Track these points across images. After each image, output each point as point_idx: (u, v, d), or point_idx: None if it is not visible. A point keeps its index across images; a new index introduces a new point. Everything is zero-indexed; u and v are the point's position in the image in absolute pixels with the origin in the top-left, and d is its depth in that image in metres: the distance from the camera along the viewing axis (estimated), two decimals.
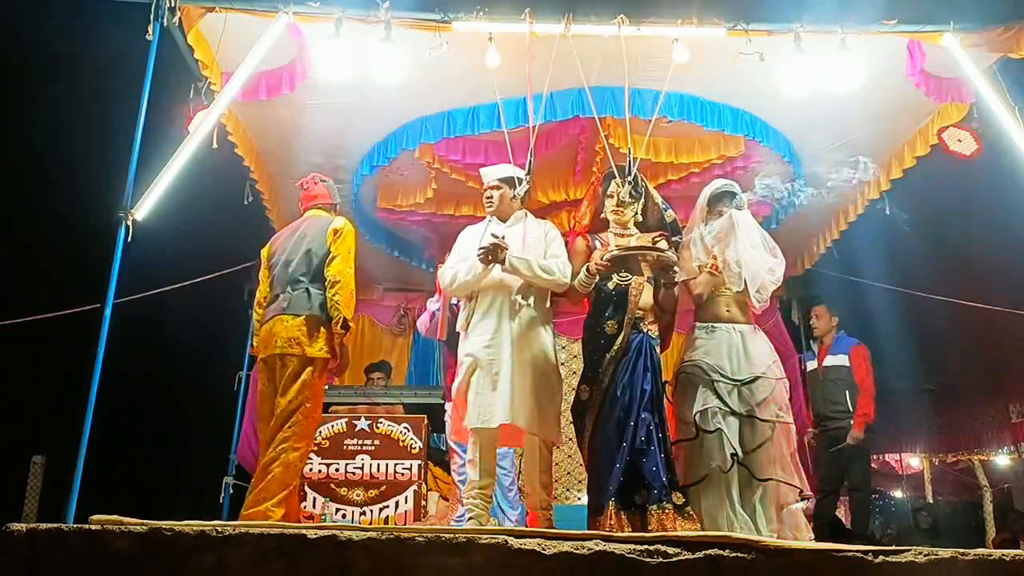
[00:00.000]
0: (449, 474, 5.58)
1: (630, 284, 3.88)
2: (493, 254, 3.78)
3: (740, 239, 3.98)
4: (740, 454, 3.73)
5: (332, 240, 3.92)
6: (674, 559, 2.53)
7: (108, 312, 3.76)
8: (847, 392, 5.82)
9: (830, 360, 5.99)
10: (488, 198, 4.09)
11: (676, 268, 3.91)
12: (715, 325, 3.98)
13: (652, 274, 3.93)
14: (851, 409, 5.77)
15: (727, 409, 3.79)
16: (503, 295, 3.88)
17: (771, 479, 3.76)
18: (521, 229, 4.05)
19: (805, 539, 3.77)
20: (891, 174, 5.76)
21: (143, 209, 3.99)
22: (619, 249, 3.82)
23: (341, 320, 3.79)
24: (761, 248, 4.04)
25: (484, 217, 4.17)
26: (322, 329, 3.83)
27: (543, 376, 3.88)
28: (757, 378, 3.84)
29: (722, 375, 3.84)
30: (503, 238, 3.85)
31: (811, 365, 6.11)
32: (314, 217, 4.10)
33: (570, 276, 3.94)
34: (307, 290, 3.87)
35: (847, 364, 5.90)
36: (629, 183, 4.01)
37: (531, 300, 3.91)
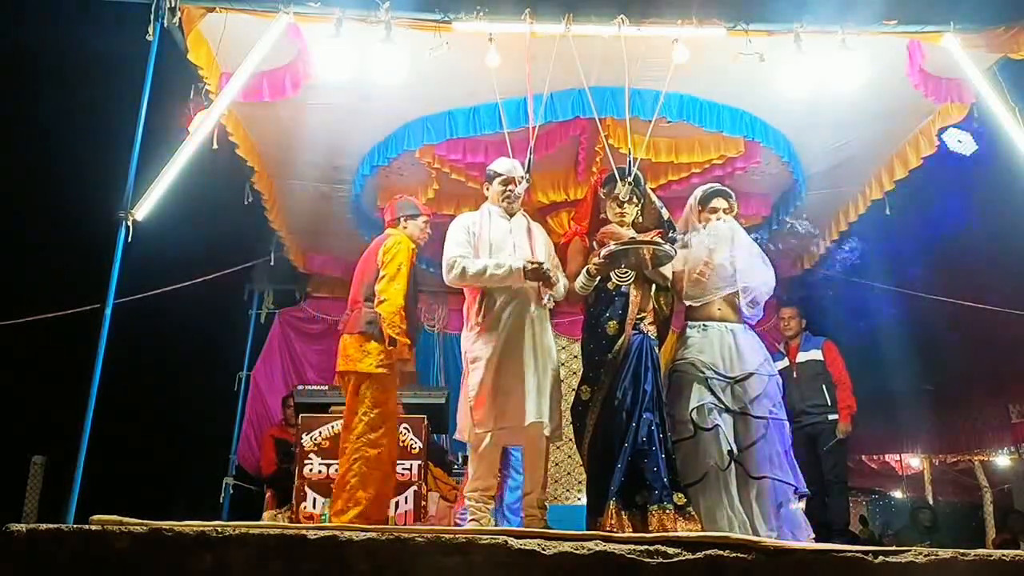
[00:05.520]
0: (450, 475, 5.58)
1: (630, 284, 3.88)
2: (545, 279, 3.79)
3: (736, 246, 3.99)
4: (736, 451, 3.74)
5: (382, 259, 4.05)
6: (674, 559, 2.53)
7: (108, 312, 3.75)
8: (824, 387, 5.87)
9: (802, 356, 6.05)
10: (512, 191, 4.05)
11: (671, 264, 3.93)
12: (707, 324, 3.99)
13: (650, 271, 3.92)
14: (829, 404, 5.82)
15: (722, 406, 3.81)
16: (521, 292, 3.88)
17: (765, 477, 3.77)
18: (524, 224, 4.08)
19: (805, 539, 3.77)
20: (893, 174, 5.77)
21: (143, 209, 3.99)
22: (615, 244, 3.82)
23: (388, 337, 3.89)
24: (757, 258, 4.05)
25: None
26: (373, 344, 3.92)
27: (556, 374, 3.93)
28: (750, 375, 3.86)
29: (715, 372, 3.86)
30: (547, 269, 3.87)
31: (779, 365, 6.09)
32: (380, 237, 4.24)
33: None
34: (362, 309, 4.03)
35: (821, 358, 5.95)
36: (630, 183, 4.01)
37: (547, 298, 3.95)
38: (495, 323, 3.84)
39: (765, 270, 4.05)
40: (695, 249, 4.03)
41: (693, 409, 3.81)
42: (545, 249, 4.08)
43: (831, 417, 5.82)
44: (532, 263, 3.77)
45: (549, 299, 3.96)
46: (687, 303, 4.05)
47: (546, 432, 3.76)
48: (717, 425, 3.75)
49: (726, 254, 3.98)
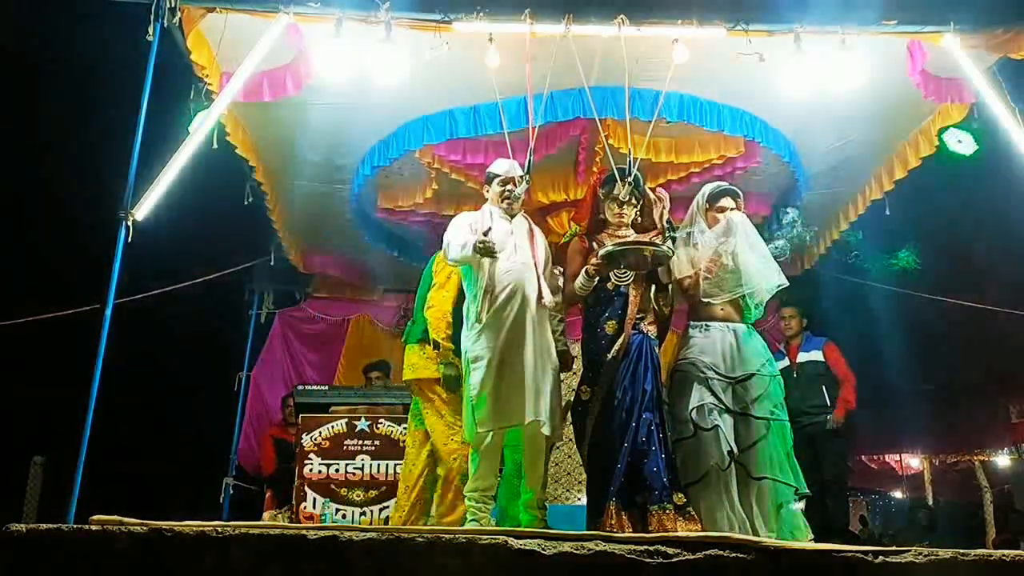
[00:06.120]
0: None
1: (629, 284, 3.88)
2: (490, 254, 3.76)
3: (740, 242, 3.97)
4: (736, 452, 3.74)
5: (434, 268, 4.26)
6: (674, 559, 2.53)
7: (108, 312, 3.75)
8: (824, 387, 5.86)
9: (803, 356, 6.02)
10: (512, 192, 4.04)
11: (671, 264, 3.92)
12: (710, 324, 3.97)
13: (649, 271, 3.92)
14: (829, 404, 5.80)
15: (722, 406, 3.80)
16: (520, 291, 3.88)
17: (766, 477, 3.76)
18: (525, 226, 4.08)
19: (805, 539, 3.77)
20: (893, 175, 5.76)
21: (143, 209, 3.99)
22: (612, 245, 3.82)
23: (432, 341, 4.09)
24: (760, 252, 4.03)
25: None
26: (429, 350, 4.13)
27: (556, 374, 3.92)
28: (751, 376, 3.84)
29: (716, 373, 3.84)
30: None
31: (780, 364, 6.08)
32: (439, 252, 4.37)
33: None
34: (419, 319, 4.25)
35: (822, 359, 5.94)
36: (630, 183, 4.01)
37: (548, 296, 3.95)
38: (496, 322, 3.83)
39: (772, 270, 4.03)
40: (704, 248, 4.02)
41: (693, 409, 3.80)
42: (544, 253, 4.08)
43: (830, 418, 5.81)
44: (482, 240, 3.75)
45: (551, 302, 3.97)
46: (704, 300, 4.01)
47: (545, 432, 3.76)
48: (717, 426, 3.75)
49: (735, 252, 3.97)
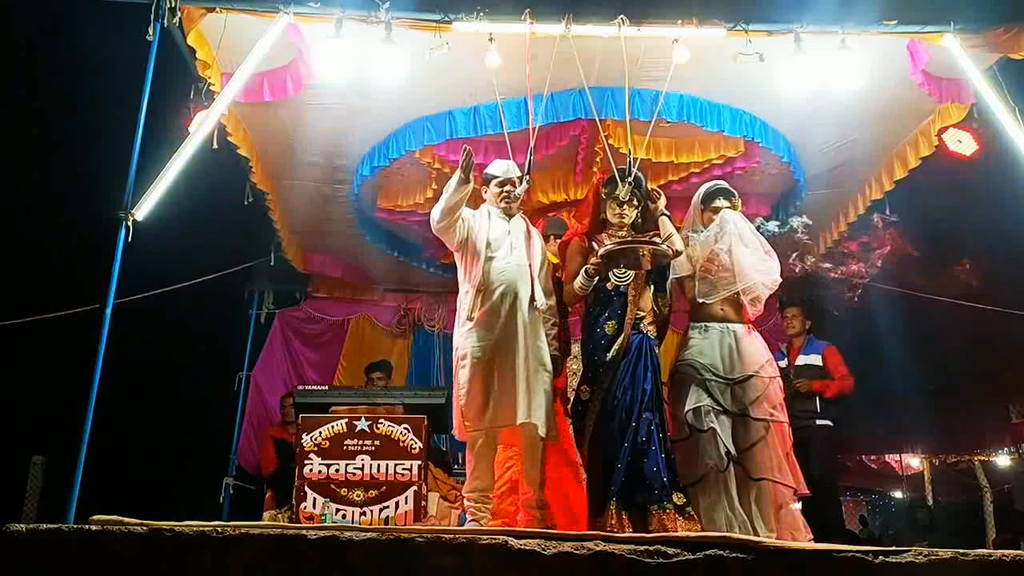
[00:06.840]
0: (450, 475, 5.58)
1: (629, 284, 3.88)
2: (468, 159, 3.76)
3: (733, 239, 3.98)
4: (734, 453, 3.74)
5: None
6: (674, 559, 2.53)
7: (108, 312, 3.76)
8: (817, 393, 5.83)
9: (802, 360, 5.97)
10: (511, 193, 4.06)
11: (672, 262, 3.92)
12: (709, 325, 3.98)
13: (650, 269, 3.91)
14: (819, 410, 5.75)
15: (719, 408, 3.80)
16: (513, 291, 3.88)
17: (765, 479, 3.76)
18: (523, 227, 4.08)
19: (804, 539, 3.77)
20: (893, 175, 5.76)
21: (143, 209, 3.99)
22: (612, 244, 3.82)
23: None
24: (755, 248, 4.03)
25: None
26: None
27: (549, 376, 3.91)
28: (750, 377, 3.85)
29: (715, 374, 3.85)
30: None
31: (781, 364, 6.07)
32: None
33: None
34: None
35: (820, 364, 5.91)
36: (630, 184, 4.01)
37: (541, 299, 3.95)
38: (488, 322, 3.84)
39: (768, 265, 4.03)
40: (700, 247, 4.02)
41: (689, 411, 3.82)
42: (540, 256, 4.08)
43: (819, 422, 5.77)
44: (463, 161, 3.76)
45: (540, 298, 3.96)
46: (699, 300, 4.01)
47: (541, 432, 3.76)
48: (712, 428, 3.75)
49: (730, 249, 3.97)
